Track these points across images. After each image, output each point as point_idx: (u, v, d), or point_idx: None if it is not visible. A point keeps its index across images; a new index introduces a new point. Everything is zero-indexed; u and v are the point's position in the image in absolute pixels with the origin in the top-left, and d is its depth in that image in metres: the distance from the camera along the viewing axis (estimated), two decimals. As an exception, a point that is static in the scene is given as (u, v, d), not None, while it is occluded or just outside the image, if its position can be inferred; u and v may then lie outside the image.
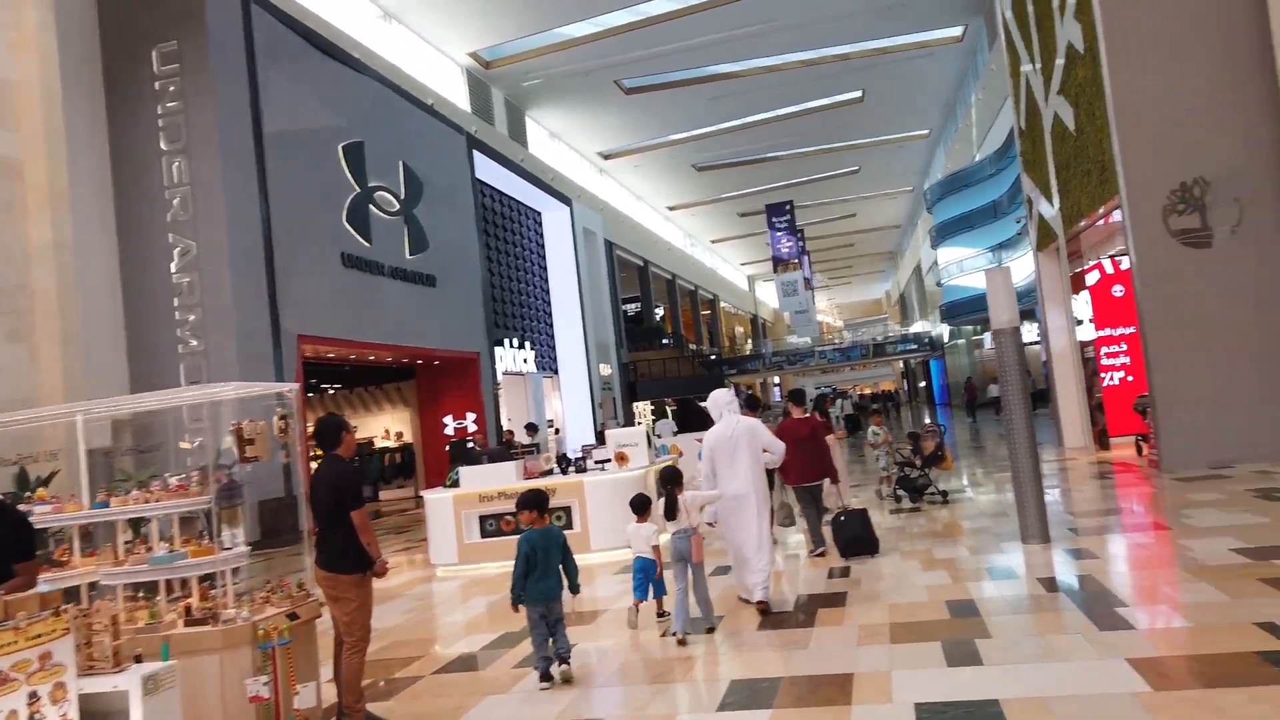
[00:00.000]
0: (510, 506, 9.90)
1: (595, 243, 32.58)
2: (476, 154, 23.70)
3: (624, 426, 19.44)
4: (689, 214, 48.56)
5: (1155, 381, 11.58)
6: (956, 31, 28.34)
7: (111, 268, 14.48)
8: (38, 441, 9.93)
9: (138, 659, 3.31)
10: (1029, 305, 20.42)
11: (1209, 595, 5.23)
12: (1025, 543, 7.57)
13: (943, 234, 38.14)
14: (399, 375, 23.61)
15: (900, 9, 25.62)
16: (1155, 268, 11.57)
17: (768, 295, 70.47)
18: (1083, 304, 15.35)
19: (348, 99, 18.12)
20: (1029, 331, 22.54)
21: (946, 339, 47.89)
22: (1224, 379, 11.20)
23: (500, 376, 23.84)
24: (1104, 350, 14.46)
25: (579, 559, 5.77)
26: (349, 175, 17.71)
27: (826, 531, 8.43)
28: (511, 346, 25.04)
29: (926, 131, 39.07)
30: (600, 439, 12.67)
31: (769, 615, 6.19)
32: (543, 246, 29.52)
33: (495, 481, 10.12)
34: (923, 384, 62.22)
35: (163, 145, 14.73)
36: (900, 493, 11.28)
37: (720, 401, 6.91)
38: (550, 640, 5.28)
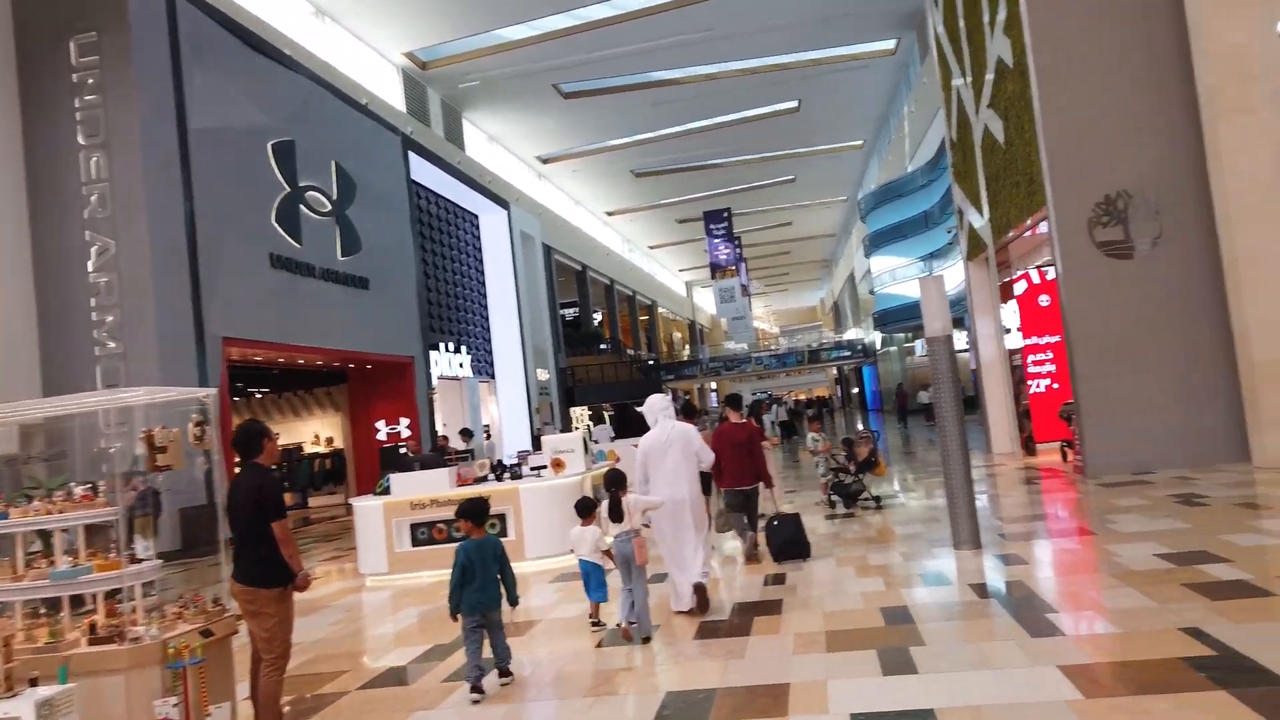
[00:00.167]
0: (443, 514, 9.73)
1: (533, 247, 32.33)
2: (412, 155, 23.29)
3: (561, 432, 19.29)
4: (628, 219, 48.59)
5: (1079, 389, 11.88)
6: (889, 45, 28.88)
7: (23, 266, 13.84)
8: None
9: (33, 682, 3.08)
10: (959, 314, 20.85)
11: (1135, 601, 5.33)
12: (957, 548, 7.66)
13: (876, 243, 38.81)
14: (330, 379, 23.05)
15: (835, 21, 26.03)
16: (1080, 278, 11.88)
17: (705, 301, 70.97)
18: (1011, 313, 15.70)
19: (278, 96, 17.64)
20: (958, 339, 23.02)
21: (879, 346, 48.75)
22: (1145, 387, 11.55)
23: (435, 381, 23.45)
24: (1031, 358, 14.80)
25: (514, 567, 5.64)
26: (279, 174, 17.24)
27: (761, 537, 8.44)
28: (447, 350, 24.66)
29: (860, 142, 39.75)
30: (536, 445, 12.52)
31: (704, 607, 6.36)
32: (480, 250, 29.18)
33: (427, 489, 9.89)
34: (855, 390, 63.22)
35: (80, 140, 14.14)
36: (834, 498, 11.36)
37: (656, 407, 6.92)
38: (484, 648, 5.20)
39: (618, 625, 6.01)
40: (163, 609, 4.38)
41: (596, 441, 14.30)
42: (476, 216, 29.10)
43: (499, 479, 10.26)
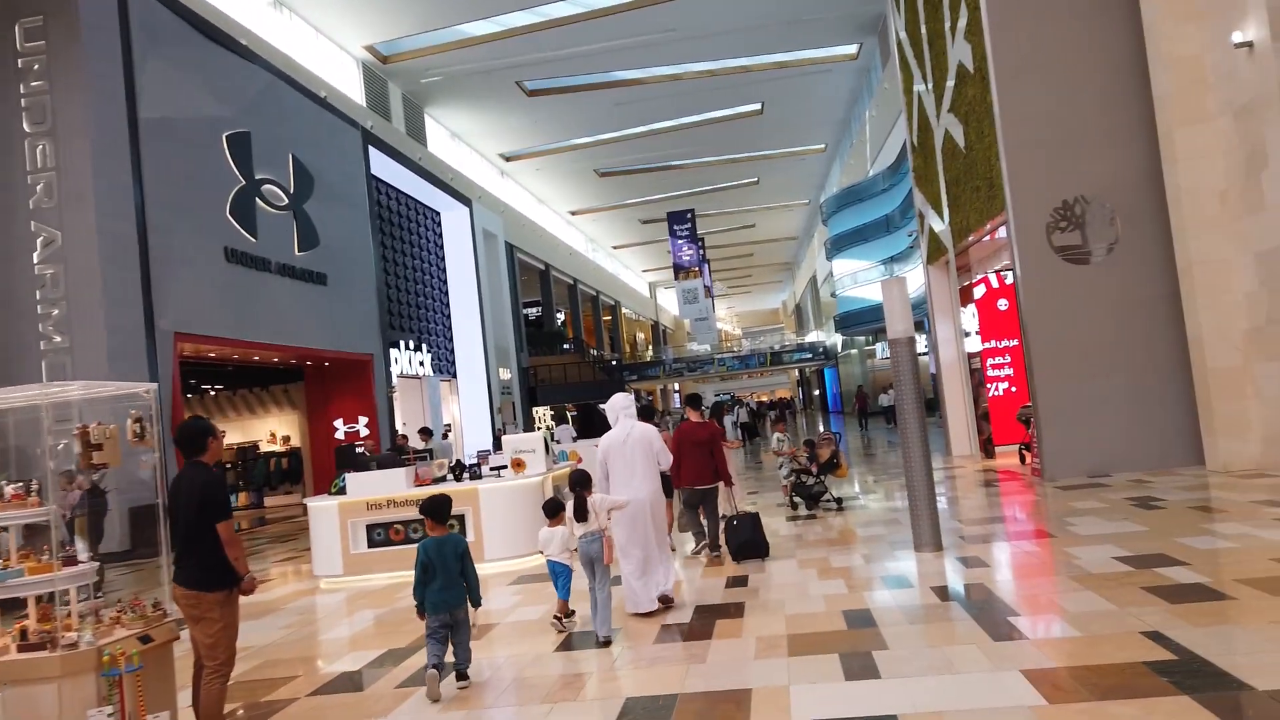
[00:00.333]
0: (400, 515, 9.55)
1: (496, 245, 32.05)
2: (372, 150, 22.95)
3: (523, 432, 19.08)
4: (591, 219, 48.43)
5: (1037, 393, 12.00)
6: (851, 49, 29.08)
7: (-37, 257, 13.36)
8: None
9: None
10: (919, 316, 21.00)
11: (1096, 604, 5.33)
12: (918, 550, 7.66)
13: (837, 246, 39.06)
14: (286, 377, 22.65)
15: (798, 25, 26.16)
16: (1038, 283, 12.00)
17: (669, 302, 70.99)
18: (970, 316, 15.84)
19: (234, 87, 17.25)
20: (919, 342, 23.20)
21: (840, 349, 49.10)
22: (1102, 391, 11.69)
23: (395, 379, 23.12)
24: (990, 362, 14.93)
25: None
26: (233, 166, 16.86)
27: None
28: (407, 349, 24.35)
29: (822, 146, 40.01)
30: (498, 444, 12.34)
31: (670, 607, 6.41)
32: (441, 247, 28.86)
33: (384, 489, 9.68)
34: (817, 392, 63.66)
35: (25, 127, 13.71)
36: (796, 499, 11.36)
37: (617, 406, 6.93)
38: (449, 648, 5.17)
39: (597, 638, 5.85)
40: (99, 613, 4.17)
41: (558, 441, 14.15)
42: (438, 213, 28.78)
43: (458, 479, 10.08)
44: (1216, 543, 6.75)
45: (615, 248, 57.03)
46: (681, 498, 8.68)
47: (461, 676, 5.19)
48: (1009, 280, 14.21)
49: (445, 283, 28.76)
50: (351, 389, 21.54)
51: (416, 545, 5.32)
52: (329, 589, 9.42)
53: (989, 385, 14.96)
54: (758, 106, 33.19)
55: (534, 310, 42.53)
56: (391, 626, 7.20)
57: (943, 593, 6.17)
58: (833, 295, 43.31)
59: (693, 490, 8.41)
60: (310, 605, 8.69)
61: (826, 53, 29.53)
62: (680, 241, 41.79)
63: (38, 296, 13.55)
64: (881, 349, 39.88)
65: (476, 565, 5.48)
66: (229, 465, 22.52)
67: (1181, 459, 11.34)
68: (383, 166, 23.92)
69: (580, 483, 6.17)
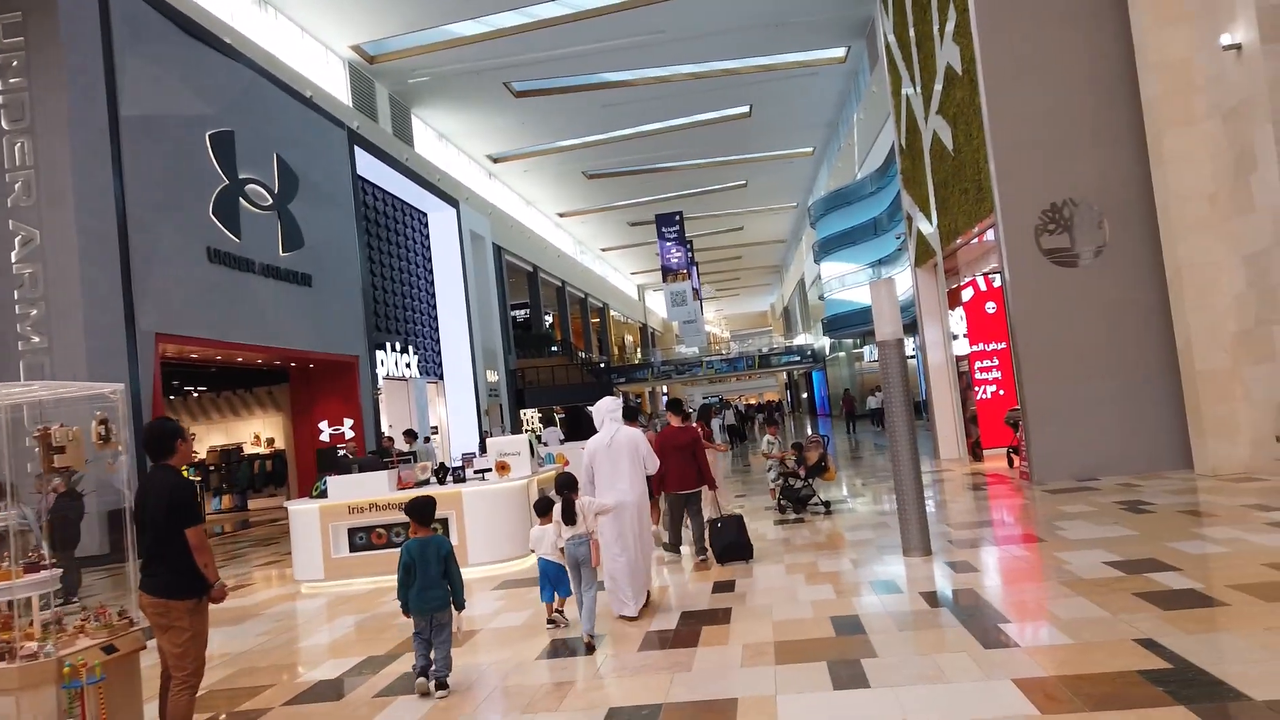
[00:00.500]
0: (382, 519, 9.41)
1: (483, 246, 31.88)
2: (358, 150, 22.76)
3: (511, 434, 18.93)
4: (579, 221, 48.28)
5: (1025, 396, 11.95)
6: (839, 53, 29.06)
7: (-61, 256, 13.14)
8: None
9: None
10: (907, 319, 20.97)
11: (1087, 610, 5.25)
12: (907, 555, 7.57)
13: (825, 249, 39.06)
14: (271, 378, 22.43)
15: (786, 28, 26.10)
16: (1026, 286, 11.95)
17: (657, 304, 70.91)
18: (958, 319, 15.80)
19: (217, 85, 17.04)
20: (908, 345, 23.17)
21: (828, 352, 49.10)
22: (1090, 394, 11.64)
23: (381, 382, 22.94)
24: (978, 365, 14.89)
25: (456, 574, 5.43)
26: (217, 166, 16.66)
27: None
28: (393, 350, 24.15)
29: (810, 149, 39.99)
30: (484, 447, 12.19)
31: (641, 617, 6.36)
32: (428, 248, 28.68)
33: (366, 492, 9.54)
34: (805, 395, 63.66)
35: (3, 124, 13.50)
36: (784, 503, 11.27)
37: (603, 410, 6.93)
38: (431, 652, 5.17)
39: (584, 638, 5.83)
40: (62, 622, 4.02)
41: (545, 444, 14.01)
42: (425, 214, 28.60)
43: (441, 482, 9.94)
44: (1207, 547, 6.68)
45: (604, 250, 56.90)
46: (667, 503, 8.65)
47: (441, 685, 5.09)
48: (997, 283, 14.18)
49: (432, 284, 28.57)
50: (337, 391, 21.35)
51: (400, 548, 5.32)
52: (310, 593, 9.26)
53: (977, 388, 14.93)
54: (746, 109, 33.14)
55: (522, 312, 42.35)
56: (372, 633, 7.06)
57: (932, 598, 6.08)
58: (821, 298, 43.32)
59: (676, 495, 8.40)
60: (290, 610, 8.53)
61: (815, 55, 29.49)
62: (668, 244, 41.69)
63: (16, 296, 13.33)
64: (869, 352, 39.90)
65: (461, 570, 5.43)
66: (212, 467, 22.30)
67: (1170, 462, 11.30)
68: (369, 167, 23.73)
69: (567, 485, 6.20)
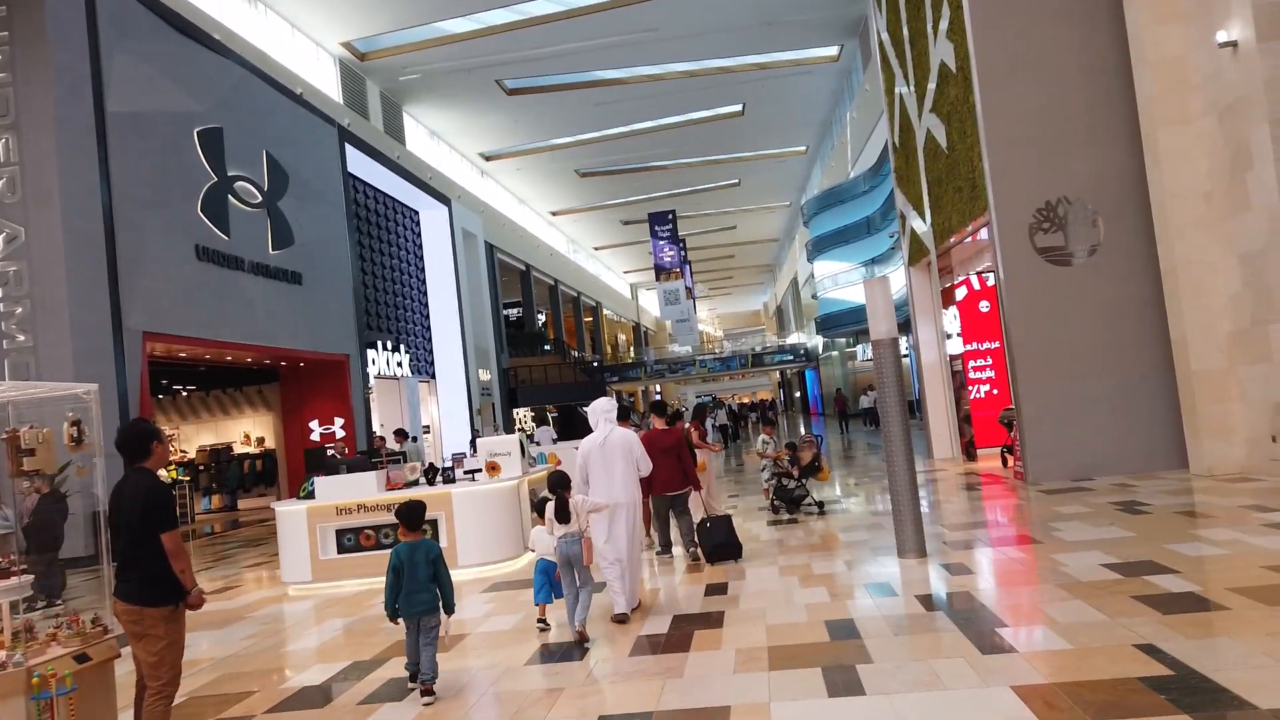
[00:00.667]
0: (371, 520, 9.30)
1: (475, 245, 31.72)
2: (349, 148, 22.58)
3: (503, 433, 18.81)
4: (572, 219, 48.14)
5: (1020, 395, 11.88)
6: (833, 51, 29.00)
7: (-79, 253, 12.96)
8: None
9: None
10: (901, 318, 20.89)
11: (1085, 614, 5.16)
12: (901, 556, 7.48)
13: (818, 248, 39.02)
14: (261, 377, 22.25)
15: (779, 27, 26.03)
16: (1020, 285, 11.88)
17: (650, 303, 70.81)
18: (952, 318, 15.73)
19: (206, 82, 16.87)
20: (901, 344, 23.09)
21: (821, 351, 49.06)
22: (1085, 394, 11.58)
23: (372, 380, 22.78)
24: (971, 364, 14.82)
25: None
26: (205, 163, 16.49)
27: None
28: (385, 349, 23.99)
29: (804, 148, 39.93)
30: (475, 447, 12.07)
31: (633, 619, 6.33)
32: (420, 247, 28.51)
33: (354, 493, 9.41)
34: (798, 394, 63.63)
35: (-13, 119, 13.32)
36: (777, 503, 11.18)
37: (598, 410, 6.95)
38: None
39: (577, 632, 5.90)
40: (34, 630, 3.90)
41: (537, 443, 13.91)
42: (417, 213, 28.43)
43: (431, 483, 9.82)
44: (1205, 549, 6.60)
45: (596, 249, 56.76)
46: (654, 506, 8.69)
47: (427, 692, 4.98)
48: (991, 282, 14.11)
49: (424, 283, 28.41)
50: (327, 390, 21.19)
51: (389, 551, 5.32)
52: (297, 596, 9.13)
53: (971, 387, 14.86)
54: (739, 108, 33.06)
55: (514, 311, 42.18)
56: (360, 636, 6.95)
57: (928, 601, 5.99)
58: (814, 297, 43.27)
59: (662, 497, 8.43)
60: (277, 613, 8.39)
61: (808, 54, 29.43)
62: (661, 243, 41.61)
63: (1, 294, 13.18)
64: (862, 351, 39.85)
65: (450, 572, 5.38)
66: (202, 467, 22.12)
67: (1165, 462, 11.24)
68: (360, 165, 23.56)
69: (560, 484, 6.20)
